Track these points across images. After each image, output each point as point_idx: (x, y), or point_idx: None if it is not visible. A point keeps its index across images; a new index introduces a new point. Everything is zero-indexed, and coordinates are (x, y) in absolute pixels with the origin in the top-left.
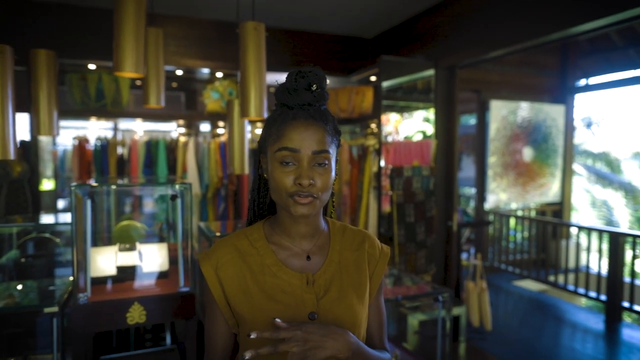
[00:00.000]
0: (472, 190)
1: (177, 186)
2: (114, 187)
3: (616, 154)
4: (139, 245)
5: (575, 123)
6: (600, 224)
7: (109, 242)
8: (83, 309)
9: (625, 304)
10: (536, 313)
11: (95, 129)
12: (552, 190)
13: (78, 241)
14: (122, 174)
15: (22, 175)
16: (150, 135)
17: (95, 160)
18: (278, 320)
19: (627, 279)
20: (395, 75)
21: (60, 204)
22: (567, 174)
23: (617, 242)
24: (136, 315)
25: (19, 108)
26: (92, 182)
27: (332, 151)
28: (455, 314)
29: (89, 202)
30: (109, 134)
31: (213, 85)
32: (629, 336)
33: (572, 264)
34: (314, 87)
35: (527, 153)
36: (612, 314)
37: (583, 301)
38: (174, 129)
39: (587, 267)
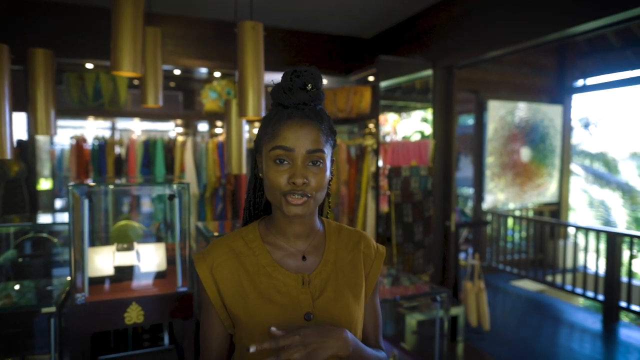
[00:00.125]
0: (470, 190)
1: (174, 186)
2: (111, 186)
3: (614, 154)
4: (136, 245)
5: (572, 123)
6: (597, 224)
7: (106, 242)
8: (81, 309)
9: (623, 304)
10: (534, 313)
11: (93, 129)
12: (549, 191)
13: (75, 241)
14: (120, 173)
15: (19, 175)
16: (148, 135)
17: (93, 160)
18: (274, 328)
19: (624, 278)
20: (393, 75)
21: (58, 203)
22: (564, 174)
23: (614, 242)
24: (134, 315)
25: (16, 107)
26: (90, 182)
27: (327, 151)
28: (454, 314)
29: (86, 202)
30: (107, 134)
31: (211, 85)
32: (626, 336)
33: (569, 264)
34: (309, 86)
35: (525, 153)
36: (610, 313)
37: (581, 301)
38: (171, 129)
39: (585, 267)
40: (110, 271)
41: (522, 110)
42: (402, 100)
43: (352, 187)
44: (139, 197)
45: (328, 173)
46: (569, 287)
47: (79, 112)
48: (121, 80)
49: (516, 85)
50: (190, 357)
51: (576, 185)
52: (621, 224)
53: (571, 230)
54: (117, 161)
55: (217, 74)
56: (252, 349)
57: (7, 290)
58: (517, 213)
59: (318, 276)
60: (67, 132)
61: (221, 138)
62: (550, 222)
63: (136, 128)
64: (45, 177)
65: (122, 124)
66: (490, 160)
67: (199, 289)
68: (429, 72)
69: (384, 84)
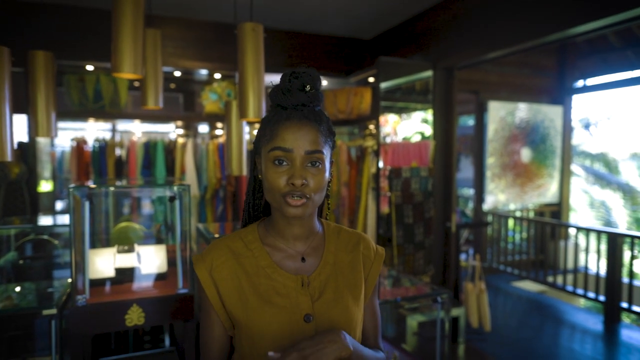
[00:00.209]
0: (470, 191)
1: (175, 188)
2: (112, 188)
3: (614, 155)
4: (137, 247)
5: (573, 124)
6: (598, 225)
7: (107, 243)
8: (81, 311)
9: (624, 305)
10: (535, 314)
11: (94, 131)
12: (550, 191)
13: (76, 243)
14: (121, 175)
15: (20, 177)
16: (149, 137)
17: (94, 162)
18: (271, 353)
19: (625, 279)
20: (393, 76)
21: (59, 205)
22: (565, 175)
23: (615, 242)
24: (135, 317)
25: (16, 109)
26: (91, 184)
27: (326, 152)
28: (454, 315)
29: (87, 204)
30: (107, 135)
31: (211, 87)
32: (627, 337)
33: (570, 264)
34: (308, 87)
35: (525, 154)
36: (611, 314)
37: (582, 302)
38: (172, 130)
39: (586, 267)
40: (111, 273)
41: (522, 110)
42: (403, 101)
43: (353, 188)
44: (140, 198)
45: (327, 174)
46: (569, 288)
47: (80, 114)
48: (121, 82)
49: (516, 85)
50: (190, 359)
51: (577, 186)
52: (622, 224)
53: (572, 231)
54: (117, 163)
55: (217, 76)
56: (270, 354)
57: (8, 292)
58: (518, 214)
59: (317, 278)
60: (67, 134)
61: (222, 139)
62: (551, 222)
63: (137, 130)
64: (45, 179)
65: (122, 125)
66: (490, 161)
67: (198, 290)
68: (429, 73)
69: (384, 85)
